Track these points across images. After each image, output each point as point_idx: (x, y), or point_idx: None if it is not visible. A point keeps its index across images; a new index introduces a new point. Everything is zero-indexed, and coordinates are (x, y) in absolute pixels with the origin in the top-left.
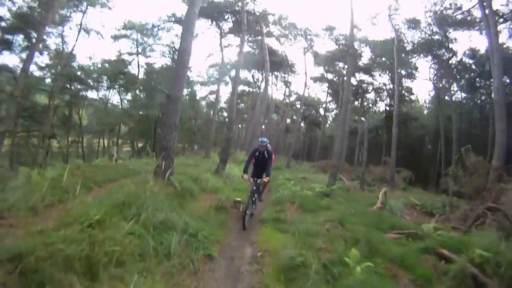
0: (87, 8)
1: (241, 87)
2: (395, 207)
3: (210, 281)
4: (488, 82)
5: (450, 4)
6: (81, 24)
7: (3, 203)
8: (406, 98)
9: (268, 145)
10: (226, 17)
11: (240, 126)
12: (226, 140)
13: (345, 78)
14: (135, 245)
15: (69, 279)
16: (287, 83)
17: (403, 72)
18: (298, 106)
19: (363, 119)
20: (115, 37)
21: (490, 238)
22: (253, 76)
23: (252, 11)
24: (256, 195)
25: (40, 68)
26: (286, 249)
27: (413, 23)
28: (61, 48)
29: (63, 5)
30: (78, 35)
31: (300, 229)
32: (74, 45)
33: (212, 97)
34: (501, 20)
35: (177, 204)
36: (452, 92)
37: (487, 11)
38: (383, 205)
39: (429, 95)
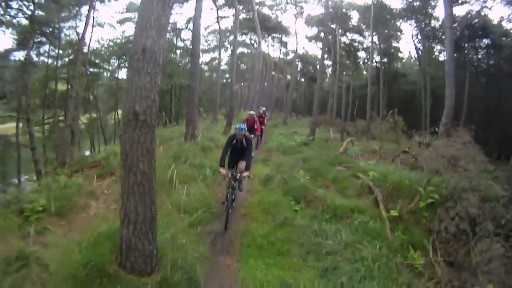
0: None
1: (240, 49)
2: (353, 151)
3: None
4: (466, 45)
5: None
6: (93, 18)
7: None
8: (395, 56)
9: (264, 109)
10: None
11: (242, 84)
12: (230, 107)
13: (337, 38)
14: (189, 174)
15: (166, 186)
16: (283, 43)
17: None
18: (297, 63)
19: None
20: (121, 21)
21: (392, 168)
22: (250, 39)
23: None
24: (235, 190)
25: (55, 58)
26: (265, 172)
27: None
28: (75, 39)
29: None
30: (92, 30)
31: (276, 163)
32: (91, 38)
33: (215, 63)
34: None
35: (203, 155)
36: (436, 53)
37: None
38: (344, 150)
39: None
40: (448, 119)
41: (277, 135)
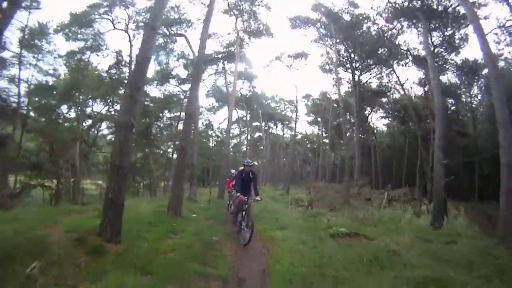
0: None
1: (257, 134)
2: (303, 196)
3: None
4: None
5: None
6: None
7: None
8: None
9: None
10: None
11: (260, 161)
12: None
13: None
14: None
15: None
16: (291, 129)
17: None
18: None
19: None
20: None
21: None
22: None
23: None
24: (243, 214)
25: None
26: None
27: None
28: None
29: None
30: None
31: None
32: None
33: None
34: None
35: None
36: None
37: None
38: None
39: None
40: (357, 175)
41: (272, 192)
